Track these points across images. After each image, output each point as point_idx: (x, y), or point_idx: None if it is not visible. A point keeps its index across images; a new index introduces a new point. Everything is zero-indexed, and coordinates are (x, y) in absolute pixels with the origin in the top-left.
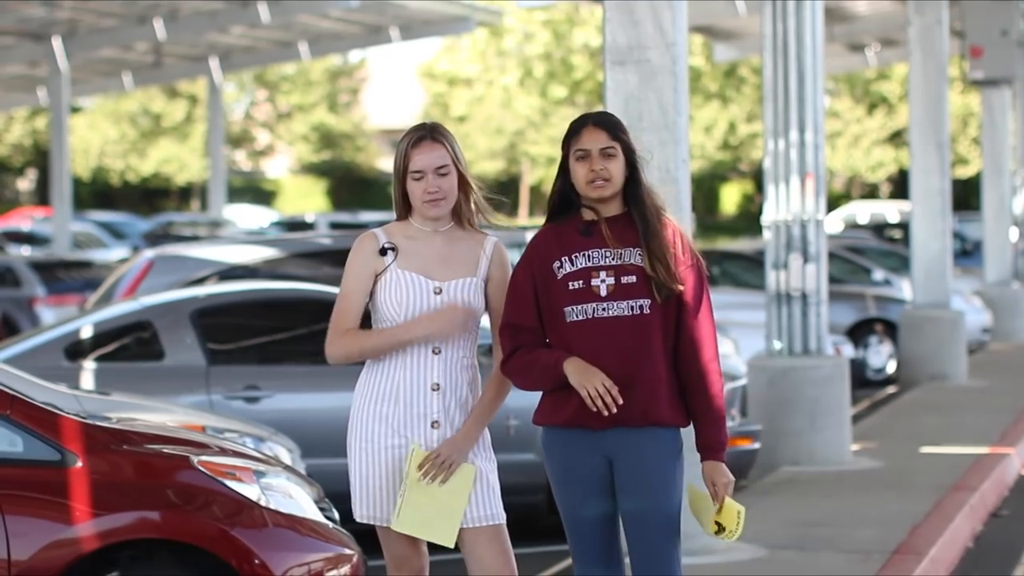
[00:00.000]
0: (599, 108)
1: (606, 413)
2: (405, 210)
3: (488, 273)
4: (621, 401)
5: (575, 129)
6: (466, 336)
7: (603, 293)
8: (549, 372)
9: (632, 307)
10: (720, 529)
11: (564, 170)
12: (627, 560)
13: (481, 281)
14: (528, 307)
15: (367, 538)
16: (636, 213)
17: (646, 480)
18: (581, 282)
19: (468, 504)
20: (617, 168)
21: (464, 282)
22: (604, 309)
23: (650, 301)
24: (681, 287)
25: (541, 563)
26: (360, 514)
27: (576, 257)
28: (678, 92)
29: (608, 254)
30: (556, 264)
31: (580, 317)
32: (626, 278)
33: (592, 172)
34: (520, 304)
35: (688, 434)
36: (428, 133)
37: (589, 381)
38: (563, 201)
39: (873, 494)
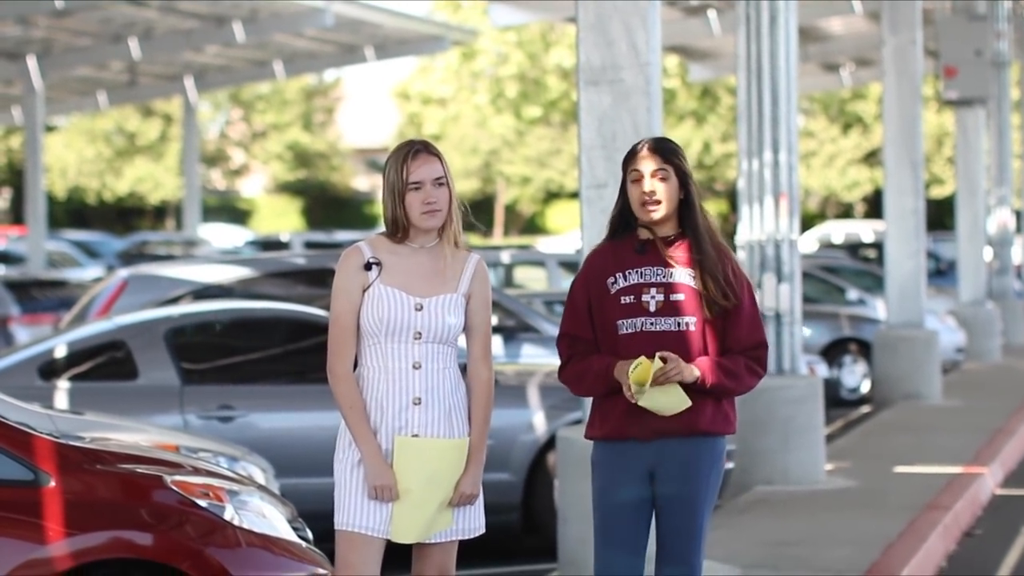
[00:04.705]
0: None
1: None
2: (399, 229)
3: (469, 289)
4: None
5: (631, 153)
6: (446, 349)
7: (652, 308)
8: (601, 378)
9: (679, 323)
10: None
11: (623, 191)
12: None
13: (462, 297)
14: (584, 319)
15: None
16: (690, 234)
17: (686, 490)
18: (632, 297)
19: (455, 511)
20: (668, 191)
21: (445, 298)
22: (652, 324)
23: (696, 319)
24: (730, 304)
25: None
26: (341, 521)
27: (629, 273)
28: (652, 112)
29: (660, 272)
30: (610, 280)
31: (630, 330)
32: (675, 295)
33: (643, 194)
34: (576, 316)
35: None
36: (423, 147)
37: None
38: (622, 220)
39: (847, 514)
